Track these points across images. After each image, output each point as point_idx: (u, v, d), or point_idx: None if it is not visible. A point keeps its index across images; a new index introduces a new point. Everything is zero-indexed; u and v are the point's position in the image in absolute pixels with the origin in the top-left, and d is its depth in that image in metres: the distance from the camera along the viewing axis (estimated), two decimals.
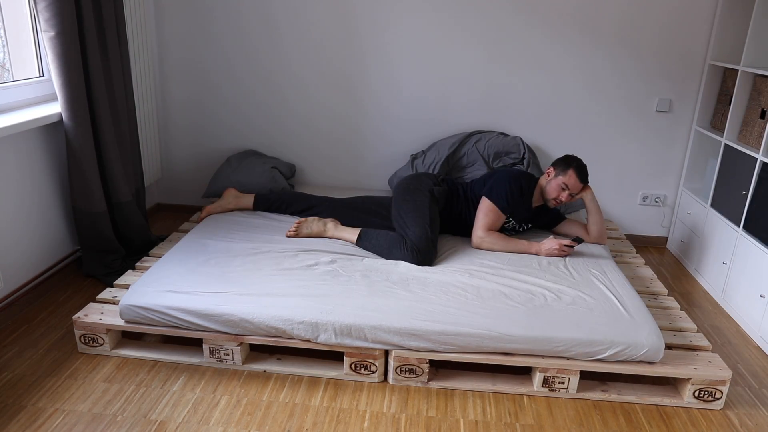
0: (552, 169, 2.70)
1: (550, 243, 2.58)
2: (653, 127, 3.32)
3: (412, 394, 2.08)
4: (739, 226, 2.71)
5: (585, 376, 2.16)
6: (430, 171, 3.22)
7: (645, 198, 3.46)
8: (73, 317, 2.20)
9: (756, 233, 2.59)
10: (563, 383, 2.07)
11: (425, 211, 2.58)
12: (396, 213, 2.65)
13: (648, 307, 2.43)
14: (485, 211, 2.65)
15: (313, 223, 2.70)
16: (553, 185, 2.66)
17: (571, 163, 2.65)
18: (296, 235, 2.67)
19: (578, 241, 2.57)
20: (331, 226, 2.70)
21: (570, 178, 2.62)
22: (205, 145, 3.55)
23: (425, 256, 2.45)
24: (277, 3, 3.23)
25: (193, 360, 2.18)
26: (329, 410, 1.98)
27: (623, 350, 2.02)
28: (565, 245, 2.57)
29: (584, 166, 2.66)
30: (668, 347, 2.20)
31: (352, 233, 2.63)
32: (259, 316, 2.07)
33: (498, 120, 3.37)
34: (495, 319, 2.09)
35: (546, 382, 2.07)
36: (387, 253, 2.51)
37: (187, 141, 3.55)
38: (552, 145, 3.39)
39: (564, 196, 2.64)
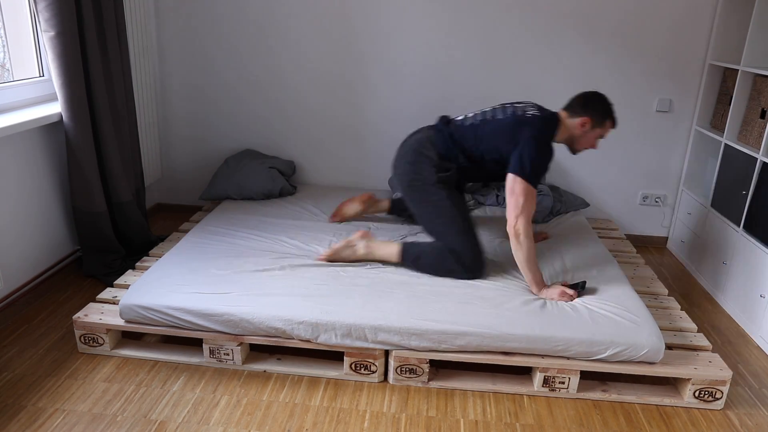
0: (588, 119, 2.33)
1: (555, 292, 2.25)
2: (653, 127, 3.32)
3: (412, 394, 2.08)
4: (739, 226, 2.71)
5: (585, 375, 2.16)
6: None
7: (645, 198, 3.46)
8: (73, 317, 2.19)
9: (756, 233, 2.59)
10: (563, 383, 2.07)
11: (453, 215, 2.36)
12: (422, 221, 2.43)
13: (648, 307, 2.42)
14: (518, 191, 2.22)
15: (344, 251, 2.44)
16: (590, 138, 2.37)
17: (607, 114, 2.35)
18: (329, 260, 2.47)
19: (583, 286, 2.31)
20: (361, 247, 2.41)
21: (607, 130, 2.38)
22: (205, 145, 3.55)
23: (480, 272, 2.35)
24: (277, 2, 3.23)
25: (193, 360, 2.17)
26: (329, 410, 1.98)
27: (623, 350, 2.02)
28: (571, 294, 2.26)
29: (613, 109, 2.38)
30: (668, 347, 2.20)
31: (390, 249, 2.38)
32: (259, 316, 2.07)
33: None
34: (495, 318, 2.09)
35: (546, 382, 2.07)
36: (441, 272, 2.34)
37: (188, 140, 3.55)
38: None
39: (597, 144, 2.46)
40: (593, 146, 2.41)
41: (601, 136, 2.39)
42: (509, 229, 2.25)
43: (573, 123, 2.36)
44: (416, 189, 2.43)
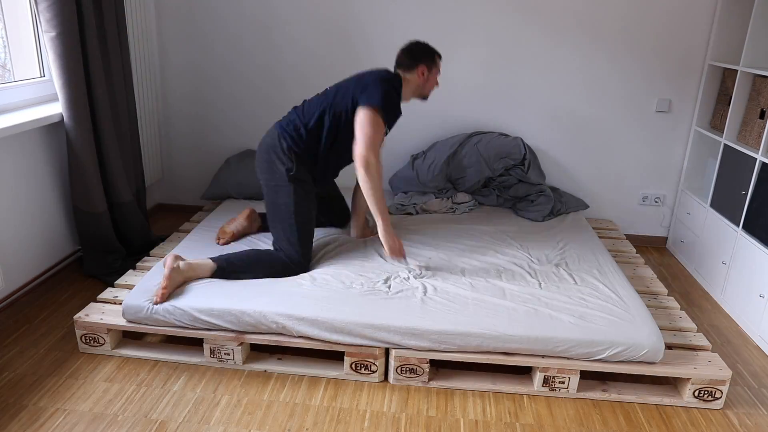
0: (423, 66, 2.41)
1: (395, 245, 2.40)
2: (653, 127, 3.33)
3: (413, 393, 2.08)
4: (738, 226, 2.72)
5: (585, 375, 2.16)
6: (430, 171, 3.21)
7: (645, 198, 3.47)
8: (74, 317, 2.20)
9: (755, 233, 2.59)
10: (563, 383, 2.08)
11: (290, 221, 2.33)
12: (269, 217, 2.42)
13: (648, 307, 2.43)
14: (366, 120, 2.23)
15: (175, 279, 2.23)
16: (433, 81, 2.47)
17: (433, 52, 2.45)
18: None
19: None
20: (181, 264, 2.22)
21: (439, 66, 2.48)
22: (206, 145, 3.55)
23: (297, 270, 2.34)
24: (277, 3, 3.24)
25: (194, 360, 2.18)
26: (329, 410, 1.98)
27: (623, 351, 2.03)
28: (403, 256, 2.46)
29: (432, 46, 2.48)
30: (668, 347, 2.20)
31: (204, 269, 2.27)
32: (261, 313, 2.07)
33: (498, 120, 3.37)
34: (495, 318, 2.09)
35: (546, 381, 2.08)
36: (256, 274, 2.29)
37: (188, 141, 3.55)
38: (552, 146, 3.40)
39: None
40: (437, 84, 2.50)
41: (439, 72, 2.48)
42: (358, 158, 2.24)
43: (413, 76, 2.42)
44: (270, 186, 2.39)
